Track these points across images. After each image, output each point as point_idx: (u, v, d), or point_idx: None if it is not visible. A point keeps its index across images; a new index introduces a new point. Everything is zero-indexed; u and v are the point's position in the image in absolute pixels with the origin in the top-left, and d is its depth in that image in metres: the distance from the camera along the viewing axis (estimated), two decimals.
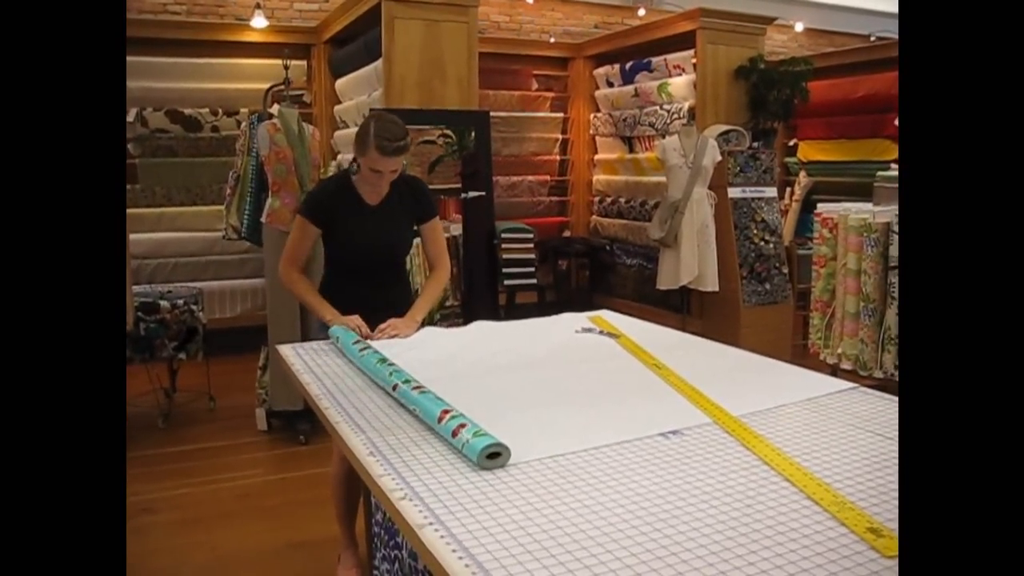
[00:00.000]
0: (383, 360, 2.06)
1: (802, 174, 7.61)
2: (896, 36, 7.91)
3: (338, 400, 1.91)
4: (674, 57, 6.55)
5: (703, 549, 1.15)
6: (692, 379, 1.99)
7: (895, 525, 1.20)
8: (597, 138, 7.66)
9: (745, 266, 5.88)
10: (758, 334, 5.63)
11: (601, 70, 7.52)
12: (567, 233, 7.67)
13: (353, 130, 5.86)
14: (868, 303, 3.49)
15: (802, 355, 4.57)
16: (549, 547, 1.15)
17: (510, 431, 1.55)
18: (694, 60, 6.28)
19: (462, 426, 1.54)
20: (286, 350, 2.48)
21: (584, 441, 1.57)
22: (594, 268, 7.41)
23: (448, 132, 5.24)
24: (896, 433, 1.61)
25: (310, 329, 4.31)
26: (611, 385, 2.03)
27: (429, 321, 3.49)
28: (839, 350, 3.70)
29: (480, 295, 5.02)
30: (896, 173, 3.89)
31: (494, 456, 1.45)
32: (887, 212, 3.47)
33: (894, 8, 8.12)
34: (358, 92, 5.81)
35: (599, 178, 7.64)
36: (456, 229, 5.21)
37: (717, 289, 5.76)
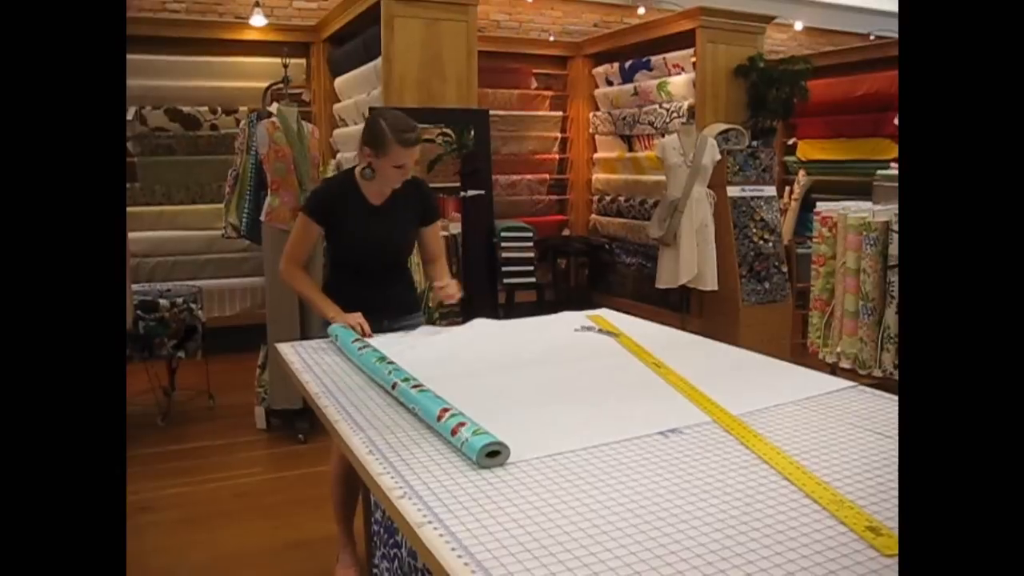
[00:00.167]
0: (382, 358, 2.06)
1: (801, 173, 7.61)
2: (895, 35, 7.91)
3: (337, 399, 1.91)
4: (673, 56, 6.55)
5: (702, 548, 1.15)
6: (691, 378, 1.99)
7: (894, 524, 1.20)
8: (596, 137, 7.66)
9: (744, 265, 5.88)
10: (757, 333, 5.63)
11: (600, 69, 7.52)
12: (566, 232, 7.67)
13: (352, 128, 5.88)
14: (867, 302, 3.49)
15: (801, 354, 4.57)
16: (548, 545, 1.15)
17: (509, 429, 1.55)
18: (693, 59, 6.27)
19: (461, 424, 1.54)
20: (285, 349, 2.48)
21: (583, 439, 1.57)
22: (593, 267, 7.41)
23: (447, 131, 5.24)
24: (895, 432, 1.61)
25: (310, 327, 4.32)
26: (610, 384, 2.03)
27: (428, 320, 3.50)
28: (838, 349, 3.70)
29: (479, 294, 5.02)
30: (895, 172, 3.90)
31: (493, 454, 1.45)
32: (886, 211, 3.47)
33: (893, 7, 8.11)
34: (357, 90, 5.81)
35: (598, 177, 7.64)
36: (455, 228, 5.21)
37: (716, 288, 5.76)
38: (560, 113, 7.74)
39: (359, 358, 2.18)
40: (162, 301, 4.51)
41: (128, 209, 5.58)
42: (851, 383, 1.98)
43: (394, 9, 4.92)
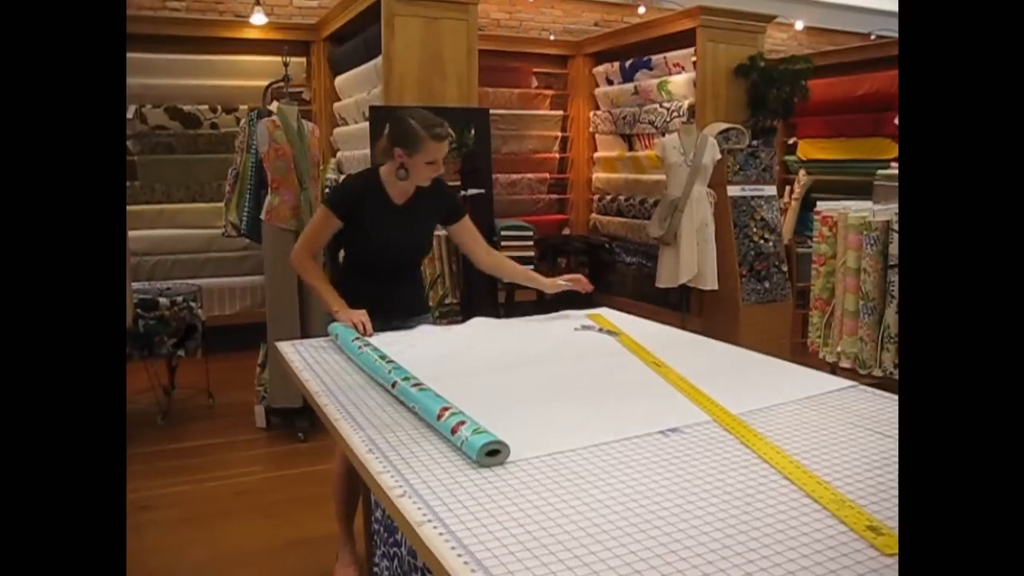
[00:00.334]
0: (382, 357, 2.06)
1: (802, 172, 7.60)
2: (896, 35, 7.90)
3: (337, 397, 1.91)
4: (674, 55, 6.54)
5: (702, 547, 1.15)
6: (691, 377, 1.99)
7: (894, 523, 1.20)
8: (597, 136, 7.66)
9: (744, 264, 5.88)
10: (757, 332, 5.63)
11: (601, 68, 7.52)
12: (566, 231, 7.67)
13: (353, 127, 5.88)
14: (867, 301, 3.49)
15: (801, 353, 4.57)
16: (548, 544, 1.15)
17: (509, 428, 1.55)
18: (694, 58, 6.27)
19: (461, 423, 1.54)
20: (285, 347, 2.48)
21: (583, 438, 1.57)
22: (593, 266, 7.41)
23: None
24: (895, 431, 1.61)
25: (310, 326, 4.32)
26: (610, 383, 2.03)
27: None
28: (838, 348, 3.70)
29: (479, 292, 5.02)
30: (896, 172, 3.89)
31: (493, 453, 1.45)
32: (887, 210, 3.46)
33: (894, 6, 8.10)
34: (357, 89, 5.81)
35: (599, 176, 7.63)
36: None
37: (716, 287, 5.76)
38: (560, 112, 7.73)
39: (359, 357, 2.18)
40: (162, 299, 4.51)
41: (128, 207, 5.58)
42: (851, 383, 1.98)
43: (394, 8, 4.91)
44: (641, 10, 8.30)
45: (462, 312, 4.79)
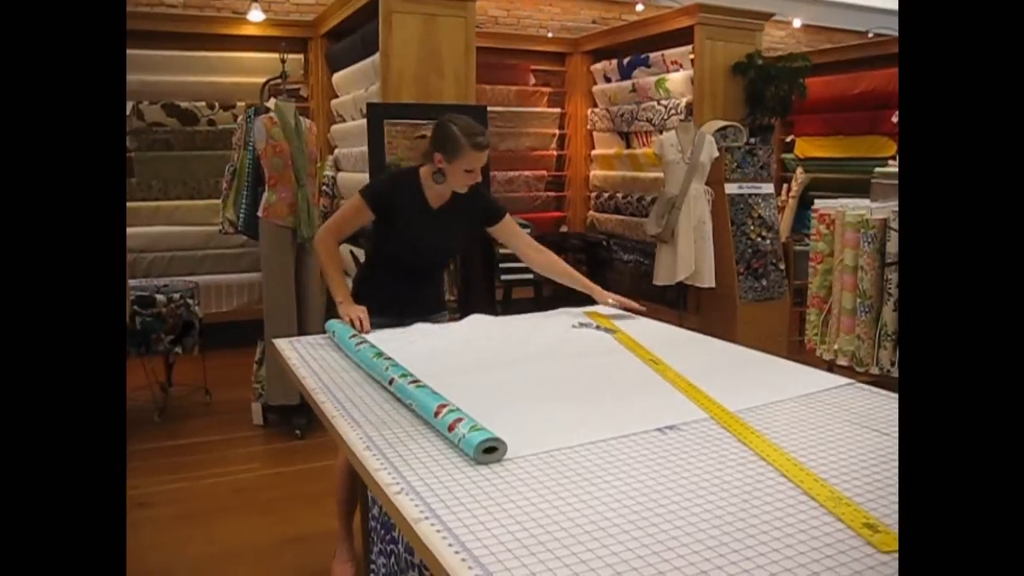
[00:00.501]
0: (379, 354, 2.06)
1: (799, 170, 7.61)
2: (894, 33, 7.91)
3: (334, 394, 1.91)
4: (672, 53, 6.54)
5: (699, 544, 1.15)
6: (689, 375, 1.99)
7: (891, 520, 1.21)
8: (594, 133, 7.65)
9: (742, 262, 5.88)
10: (755, 330, 5.63)
11: (599, 65, 7.51)
12: (564, 228, 7.67)
13: (350, 124, 5.87)
14: (865, 299, 3.49)
15: (798, 351, 4.57)
16: (545, 541, 1.15)
17: (507, 426, 1.55)
18: (692, 56, 6.27)
19: (458, 420, 1.54)
20: (282, 344, 2.47)
21: (580, 436, 1.57)
22: (591, 264, 7.40)
23: None
24: (892, 429, 1.62)
25: (307, 323, 4.32)
26: (608, 380, 2.03)
27: None
28: (835, 346, 3.70)
29: (476, 290, 5.02)
30: (893, 170, 3.90)
31: (490, 451, 1.45)
32: (884, 208, 3.46)
33: (892, 4, 8.11)
34: (355, 86, 5.80)
35: (596, 173, 7.63)
36: None
37: (714, 285, 5.76)
38: (558, 110, 7.73)
39: (356, 354, 2.18)
40: (159, 297, 4.50)
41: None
42: (849, 380, 1.98)
43: (392, 5, 4.90)
44: (639, 7, 8.29)
45: (460, 309, 4.79)
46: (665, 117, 6.50)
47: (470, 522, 1.21)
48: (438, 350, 2.34)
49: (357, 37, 5.65)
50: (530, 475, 1.39)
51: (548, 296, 6.84)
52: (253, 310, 5.70)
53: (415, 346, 2.35)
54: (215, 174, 5.74)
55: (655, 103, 6.67)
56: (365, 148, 4.82)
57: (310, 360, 2.26)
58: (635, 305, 2.73)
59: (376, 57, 5.09)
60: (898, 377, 3.23)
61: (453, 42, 5.07)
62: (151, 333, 4.46)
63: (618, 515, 1.24)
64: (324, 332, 2.55)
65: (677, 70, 6.54)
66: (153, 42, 5.95)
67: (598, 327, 2.60)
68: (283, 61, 4.61)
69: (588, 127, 7.69)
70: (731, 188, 5.90)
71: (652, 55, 6.74)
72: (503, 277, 5.81)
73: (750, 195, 5.97)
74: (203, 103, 6.21)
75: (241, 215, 4.56)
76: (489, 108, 5.70)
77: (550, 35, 7.96)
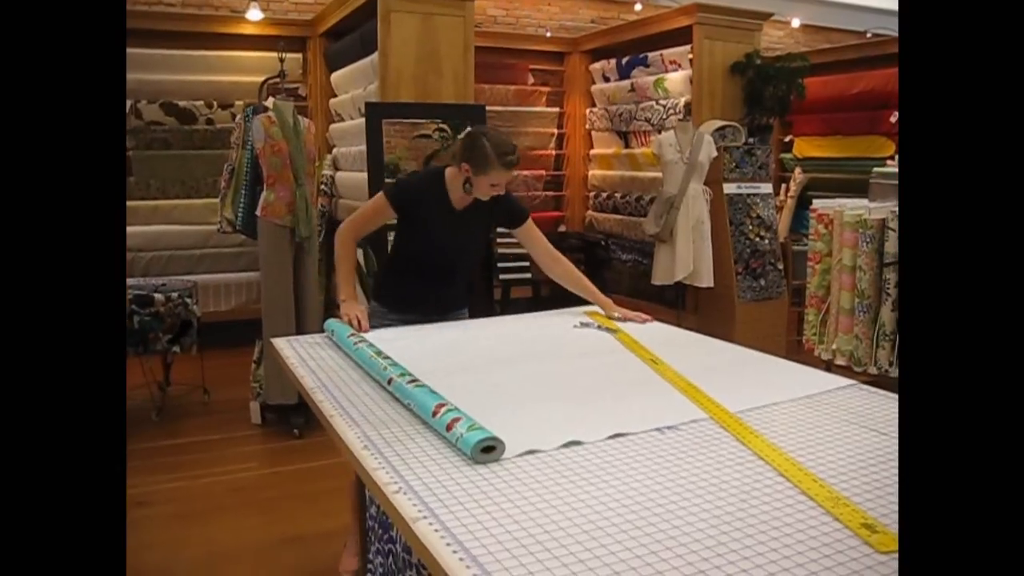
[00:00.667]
0: (378, 353, 2.06)
1: (798, 170, 7.61)
2: (893, 33, 7.92)
3: (332, 393, 1.91)
4: (670, 52, 6.54)
5: (697, 544, 1.15)
6: (689, 375, 1.99)
7: (890, 521, 1.21)
8: (593, 133, 7.65)
9: (740, 262, 5.88)
10: (753, 330, 5.63)
11: (597, 65, 7.51)
12: (562, 228, 7.67)
13: (347, 123, 5.87)
14: (863, 299, 3.49)
15: (797, 351, 4.57)
16: (543, 540, 1.15)
17: (505, 425, 1.54)
18: (690, 55, 6.27)
19: (456, 420, 1.54)
20: (281, 343, 2.47)
21: (579, 435, 1.57)
22: (589, 263, 7.40)
23: (444, 126, 5.22)
24: (891, 429, 1.62)
25: (306, 322, 4.32)
26: (607, 380, 2.03)
27: None
28: (834, 346, 3.70)
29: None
30: (892, 169, 3.89)
31: (488, 450, 1.45)
32: (883, 208, 3.46)
33: (891, 5, 8.12)
34: (354, 85, 5.80)
35: (595, 173, 7.63)
36: None
37: (712, 285, 5.76)
38: (557, 109, 7.73)
39: (355, 353, 2.18)
40: (157, 296, 4.49)
41: None
42: (851, 381, 1.98)
43: (391, 4, 4.90)
44: (638, 7, 8.29)
45: None
46: (664, 117, 6.50)
47: (468, 521, 1.21)
48: (438, 349, 2.34)
49: (356, 36, 5.64)
50: (528, 475, 1.39)
51: (547, 296, 6.85)
52: (251, 309, 5.70)
53: (415, 345, 2.35)
54: (213, 173, 5.73)
55: (654, 103, 6.67)
56: (364, 147, 4.82)
57: (308, 359, 2.26)
58: (642, 316, 2.72)
59: (375, 56, 5.08)
60: (897, 377, 3.24)
61: (452, 41, 5.07)
62: (149, 332, 4.45)
63: (616, 515, 1.24)
64: (322, 331, 2.55)
65: (676, 70, 6.54)
66: (151, 41, 5.94)
67: (599, 327, 2.60)
68: (282, 60, 4.61)
69: (587, 126, 7.69)
70: (729, 188, 5.90)
71: (651, 55, 6.74)
72: (502, 277, 5.80)
73: (748, 195, 5.97)
74: (201, 102, 6.20)
75: (239, 214, 4.55)
76: (488, 107, 5.70)
77: (549, 34, 7.95)
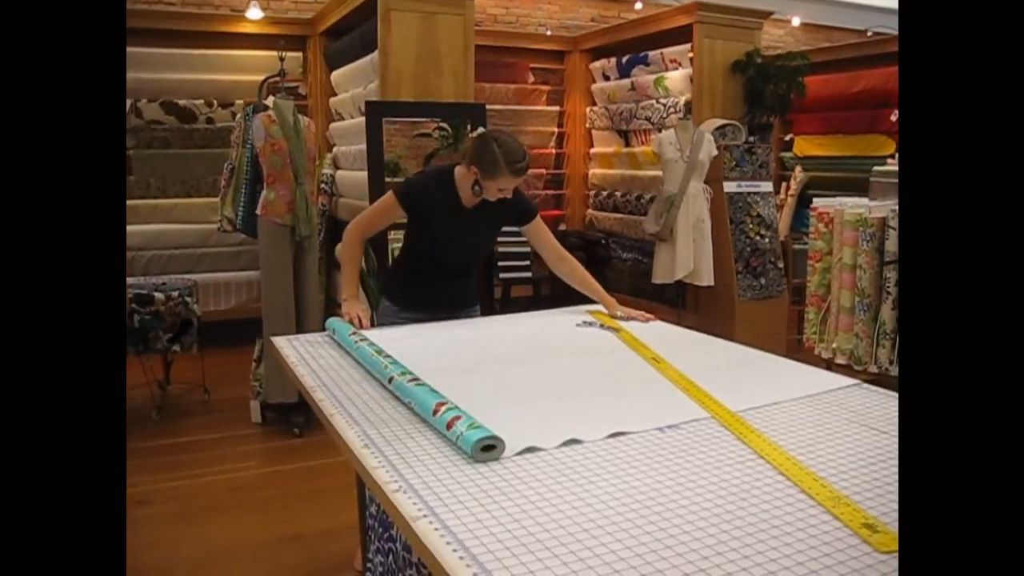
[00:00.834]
0: (379, 352, 2.06)
1: (798, 169, 7.61)
2: (893, 31, 7.92)
3: (333, 392, 1.91)
4: (671, 51, 6.54)
5: (698, 543, 1.14)
6: (692, 374, 1.99)
7: (891, 519, 1.20)
8: (593, 132, 7.65)
9: (740, 261, 5.88)
10: (753, 328, 5.63)
11: (597, 64, 7.51)
12: (563, 227, 7.66)
13: (348, 122, 5.87)
14: (863, 298, 3.49)
15: (797, 350, 4.57)
16: (543, 539, 1.15)
17: (506, 424, 1.54)
18: (691, 54, 6.27)
19: (457, 418, 1.54)
20: (281, 342, 2.47)
21: (579, 435, 1.56)
22: (590, 262, 7.36)
23: (444, 125, 5.22)
24: (892, 428, 1.62)
25: (306, 321, 4.32)
26: (608, 379, 2.03)
27: None
28: (834, 344, 3.70)
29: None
30: (892, 168, 3.90)
31: (488, 448, 1.45)
32: (883, 207, 3.46)
33: (891, 3, 8.12)
34: (354, 84, 5.80)
35: (595, 172, 7.63)
36: None
37: (712, 283, 5.76)
38: (557, 108, 7.73)
39: (356, 351, 2.17)
40: (157, 295, 4.49)
41: None
42: (854, 381, 1.97)
43: (391, 3, 4.90)
44: (638, 6, 8.29)
45: None
46: (664, 115, 6.50)
47: (468, 520, 1.21)
48: (439, 348, 2.34)
49: (356, 35, 5.64)
50: (528, 473, 1.39)
51: (547, 295, 6.85)
52: (251, 308, 5.70)
53: (416, 344, 2.35)
54: (213, 172, 5.73)
55: (654, 101, 6.67)
56: (364, 146, 4.82)
57: (308, 358, 2.25)
58: (645, 315, 2.72)
59: (375, 55, 5.08)
60: (897, 376, 3.24)
61: (452, 40, 5.07)
62: (149, 331, 4.45)
63: (616, 513, 1.24)
64: (322, 330, 2.55)
65: (676, 68, 6.54)
66: (152, 39, 5.94)
67: (602, 326, 2.59)
68: (282, 59, 4.60)
69: (587, 125, 7.69)
70: (730, 186, 5.90)
71: (651, 53, 6.74)
72: (502, 275, 5.80)
73: (749, 193, 5.97)
74: (201, 101, 6.20)
75: (239, 213, 4.55)
76: (488, 106, 5.69)
77: (549, 33, 7.95)
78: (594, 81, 7.62)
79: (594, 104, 7.64)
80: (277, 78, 4.57)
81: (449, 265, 2.80)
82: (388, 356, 2.02)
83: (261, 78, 5.05)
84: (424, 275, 2.80)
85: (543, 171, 7.61)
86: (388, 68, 4.94)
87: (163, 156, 6.15)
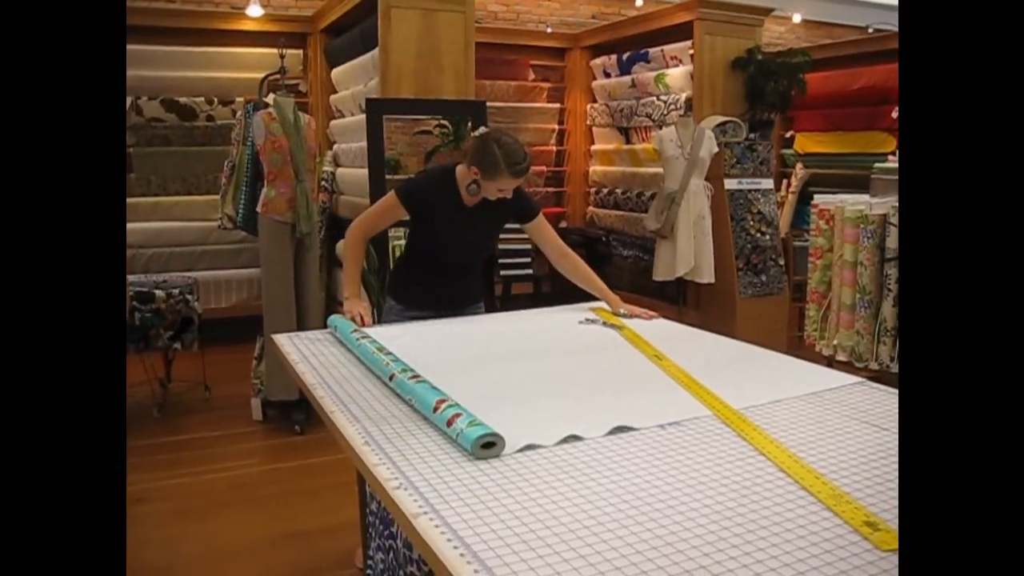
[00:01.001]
0: (380, 349, 2.06)
1: (799, 166, 7.61)
2: (894, 28, 7.90)
3: (333, 389, 1.91)
4: (671, 48, 6.53)
5: (699, 539, 1.14)
6: (693, 371, 1.99)
7: (892, 518, 1.20)
8: (594, 129, 7.65)
9: (741, 258, 5.88)
10: (754, 326, 5.63)
11: (598, 60, 7.50)
12: (563, 224, 7.66)
13: (348, 120, 5.87)
14: (864, 295, 3.49)
15: (798, 346, 4.57)
16: (544, 536, 1.15)
17: (507, 421, 1.54)
18: (691, 51, 6.26)
19: (457, 416, 1.54)
20: (281, 340, 2.47)
21: (580, 431, 1.56)
22: (590, 259, 7.36)
23: (444, 122, 5.22)
24: (892, 424, 1.62)
25: (307, 319, 4.32)
26: (609, 376, 2.03)
27: None
28: (835, 341, 3.70)
29: None
30: (893, 165, 3.89)
31: (488, 446, 1.45)
32: (884, 204, 3.46)
33: (892, 0, 8.10)
34: (354, 81, 5.79)
35: (596, 169, 7.63)
36: None
37: (713, 281, 5.76)
38: (557, 105, 7.72)
39: (357, 348, 2.18)
40: (158, 292, 4.49)
41: None
42: (858, 379, 1.97)
43: (391, 0, 4.90)
44: (639, 2, 8.28)
45: None
46: (665, 112, 6.50)
47: (469, 517, 1.21)
48: (441, 345, 2.34)
49: (356, 32, 5.64)
50: (529, 470, 1.39)
51: (548, 292, 6.85)
52: (252, 306, 5.70)
53: (418, 341, 2.35)
54: (214, 170, 5.73)
55: (655, 98, 6.66)
56: (364, 144, 4.81)
57: (309, 355, 2.26)
58: (648, 313, 2.72)
59: (375, 52, 5.08)
60: (898, 373, 3.23)
61: (452, 37, 5.06)
62: (150, 329, 4.45)
63: (617, 510, 1.24)
64: (323, 327, 2.55)
65: (677, 65, 6.53)
66: (152, 37, 5.94)
67: (604, 324, 2.59)
68: (282, 56, 4.60)
69: (587, 122, 7.68)
70: (731, 184, 5.89)
71: (652, 50, 6.73)
72: (503, 272, 5.80)
73: (750, 191, 5.97)
74: (202, 98, 6.20)
75: (240, 211, 4.55)
76: (488, 103, 5.69)
77: (549, 30, 7.94)
78: (595, 78, 7.62)
79: (595, 101, 7.63)
80: (278, 75, 4.56)
81: (452, 264, 2.80)
82: (389, 353, 2.02)
83: (261, 75, 5.05)
84: (427, 274, 2.81)
85: (544, 168, 7.61)
86: (389, 65, 4.94)
87: (164, 154, 6.14)
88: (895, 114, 6.75)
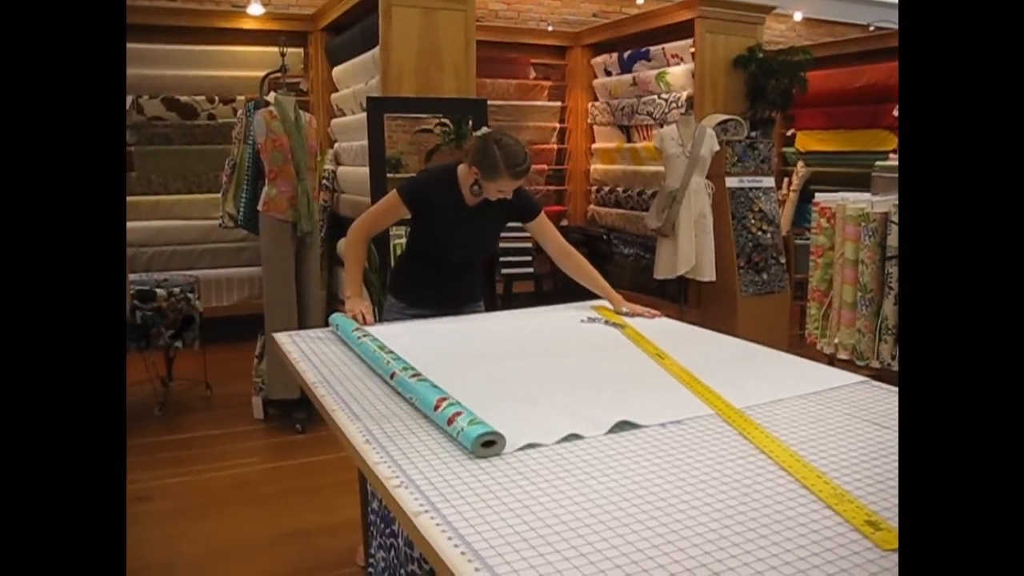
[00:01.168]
0: (381, 348, 2.06)
1: (800, 164, 7.60)
2: (895, 26, 7.89)
3: (334, 388, 1.91)
4: (672, 46, 6.53)
5: (699, 538, 1.14)
6: (695, 370, 1.99)
7: (894, 517, 1.20)
8: (595, 127, 7.64)
9: (743, 256, 5.87)
10: (755, 324, 5.63)
11: (599, 59, 7.50)
12: (564, 222, 7.66)
13: (349, 118, 5.87)
14: (865, 293, 3.49)
15: (799, 345, 4.57)
16: (545, 535, 1.15)
17: (507, 419, 1.54)
18: (692, 49, 6.26)
19: (458, 414, 1.54)
20: (282, 338, 2.47)
21: (581, 430, 1.56)
22: (591, 257, 7.33)
23: (445, 120, 5.22)
24: (893, 423, 1.61)
25: (308, 317, 4.32)
26: (610, 375, 2.03)
27: None
28: (836, 340, 3.70)
29: None
30: (894, 163, 3.89)
31: (489, 444, 1.45)
32: (885, 202, 3.46)
33: None
34: (355, 80, 5.79)
35: (597, 167, 7.63)
36: None
37: (714, 279, 5.76)
38: (558, 103, 7.72)
39: (359, 347, 2.18)
40: (159, 291, 4.50)
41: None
42: (861, 378, 1.97)
43: None
44: (640, 1, 8.27)
45: None
46: (666, 111, 6.49)
47: (470, 515, 1.21)
48: (442, 344, 2.34)
49: (357, 31, 5.64)
50: (530, 469, 1.39)
51: (549, 290, 6.85)
52: (253, 304, 5.70)
53: (419, 340, 2.35)
54: (215, 168, 5.73)
55: (656, 97, 6.66)
56: (365, 142, 4.81)
57: (310, 354, 2.26)
58: (651, 311, 2.72)
59: (376, 51, 5.08)
60: (898, 371, 3.23)
61: (453, 36, 5.06)
62: (151, 327, 4.45)
63: (618, 508, 1.24)
64: (324, 326, 2.55)
65: (678, 64, 6.53)
66: (152, 36, 5.94)
67: (606, 322, 2.59)
68: (283, 55, 4.59)
69: (588, 121, 7.68)
70: (732, 182, 5.89)
71: (653, 49, 6.73)
72: (504, 271, 5.80)
73: (751, 189, 5.96)
74: (203, 97, 6.20)
75: (241, 209, 4.55)
76: (489, 102, 5.69)
77: (550, 28, 7.94)
78: (595, 76, 7.61)
79: (596, 100, 7.63)
80: (278, 74, 4.56)
81: (453, 263, 2.80)
82: (390, 352, 2.02)
83: (262, 74, 5.05)
84: (428, 273, 2.81)
85: (545, 167, 7.61)
86: (389, 64, 4.94)
87: (164, 152, 6.15)
88: (896, 112, 6.75)
